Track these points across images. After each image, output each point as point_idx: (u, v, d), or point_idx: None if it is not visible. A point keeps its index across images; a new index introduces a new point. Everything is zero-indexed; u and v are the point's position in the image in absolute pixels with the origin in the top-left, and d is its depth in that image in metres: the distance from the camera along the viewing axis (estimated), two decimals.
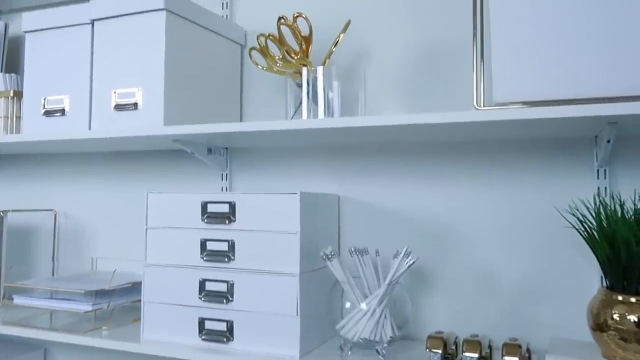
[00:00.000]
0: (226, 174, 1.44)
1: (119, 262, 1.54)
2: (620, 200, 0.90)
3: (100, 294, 1.28)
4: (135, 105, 1.22)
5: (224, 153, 1.44)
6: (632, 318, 0.85)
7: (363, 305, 1.05)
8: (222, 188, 1.45)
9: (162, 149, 1.52)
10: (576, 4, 0.87)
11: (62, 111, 1.32)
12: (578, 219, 0.91)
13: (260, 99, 1.42)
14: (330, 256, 1.08)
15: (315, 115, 1.11)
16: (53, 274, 1.64)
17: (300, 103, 1.13)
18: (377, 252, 1.13)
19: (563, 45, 0.87)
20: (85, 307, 1.26)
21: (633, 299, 0.85)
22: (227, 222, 1.12)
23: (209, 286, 1.13)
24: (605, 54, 0.85)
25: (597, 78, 0.85)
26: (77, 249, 1.64)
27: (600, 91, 0.85)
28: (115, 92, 1.24)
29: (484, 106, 0.96)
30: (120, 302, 1.32)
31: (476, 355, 0.96)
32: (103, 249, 1.60)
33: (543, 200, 1.14)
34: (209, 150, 1.38)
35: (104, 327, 1.26)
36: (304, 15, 1.16)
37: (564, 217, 1.11)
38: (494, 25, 0.91)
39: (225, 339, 1.11)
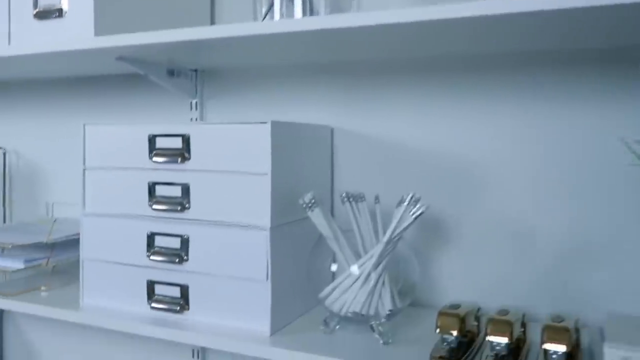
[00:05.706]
0: (196, 103, 1.17)
1: (77, 208, 1.30)
2: None
3: (37, 247, 1.04)
4: (59, 11, 0.94)
5: (192, 77, 1.16)
6: None
7: (354, 269, 0.80)
8: (192, 120, 1.18)
9: (117, 74, 1.25)
10: None
11: None
12: None
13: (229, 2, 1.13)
14: (310, 204, 0.81)
15: (292, 16, 0.83)
16: (4, 221, 1.41)
17: (272, 4, 0.84)
18: (376, 198, 0.87)
19: None
20: (17, 264, 1.02)
21: None
22: (180, 160, 0.86)
23: (159, 241, 0.88)
24: None
25: None
26: (30, 193, 1.40)
27: None
28: None
29: None
30: (64, 257, 1.08)
31: (505, 339, 0.69)
32: (60, 193, 1.35)
33: (594, 129, 0.85)
34: (171, 73, 1.10)
35: (42, 287, 1.03)
36: None
37: (630, 150, 0.83)
38: None
39: (178, 308, 0.87)
